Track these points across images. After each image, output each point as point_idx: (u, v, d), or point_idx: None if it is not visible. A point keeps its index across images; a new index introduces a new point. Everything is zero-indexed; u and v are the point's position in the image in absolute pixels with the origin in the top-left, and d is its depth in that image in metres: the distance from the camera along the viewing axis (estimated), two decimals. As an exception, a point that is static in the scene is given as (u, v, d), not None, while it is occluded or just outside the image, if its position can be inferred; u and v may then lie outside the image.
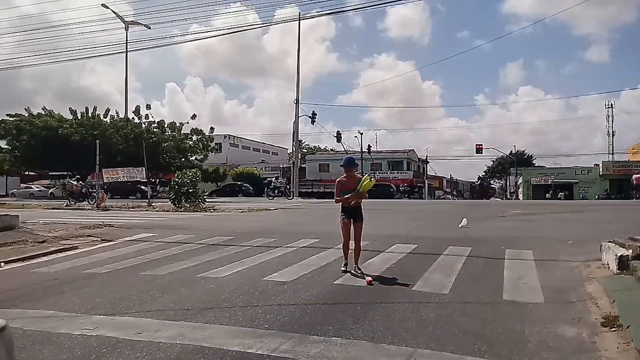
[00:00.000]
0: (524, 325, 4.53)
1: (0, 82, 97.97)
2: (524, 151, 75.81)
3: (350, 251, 6.99)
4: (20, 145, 42.83)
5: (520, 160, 69.11)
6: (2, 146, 45.15)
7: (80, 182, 29.40)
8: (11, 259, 8.59)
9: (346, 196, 6.83)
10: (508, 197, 66.73)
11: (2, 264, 8.25)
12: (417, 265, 7.34)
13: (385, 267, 7.31)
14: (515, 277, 6.51)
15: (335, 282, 6.34)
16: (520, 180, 63.62)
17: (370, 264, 7.47)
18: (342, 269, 6.93)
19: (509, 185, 70.19)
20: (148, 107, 45.28)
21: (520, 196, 62.03)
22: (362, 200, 6.99)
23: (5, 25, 73.60)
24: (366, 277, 6.42)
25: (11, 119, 44.28)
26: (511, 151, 72.17)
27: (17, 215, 12.57)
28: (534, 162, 73.53)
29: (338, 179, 7.03)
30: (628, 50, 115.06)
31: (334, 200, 7.07)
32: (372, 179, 7.03)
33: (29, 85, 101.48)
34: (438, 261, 7.69)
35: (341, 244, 7.09)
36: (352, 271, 6.81)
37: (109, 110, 45.51)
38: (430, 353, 3.87)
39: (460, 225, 12.46)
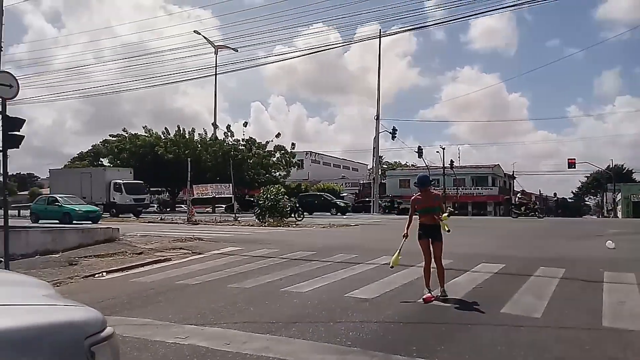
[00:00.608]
0: (627, 354, 4.20)
1: (103, 105, 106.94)
2: (622, 165, 70.30)
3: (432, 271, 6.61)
4: (121, 163, 46.35)
5: (619, 175, 64.01)
6: (105, 163, 49.05)
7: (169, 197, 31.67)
8: (112, 268, 9.30)
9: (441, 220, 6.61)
10: (605, 215, 61.98)
11: (104, 273, 8.95)
12: (505, 286, 7.02)
13: (471, 287, 7.07)
14: (615, 302, 6.03)
15: (419, 301, 6.22)
16: (619, 196, 58.90)
17: (454, 284, 7.25)
18: (423, 297, 6.29)
19: (606, 202, 65.17)
20: (245, 124, 47.64)
21: (619, 214, 57.36)
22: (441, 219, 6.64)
23: (109, 53, 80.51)
24: (426, 294, 6.24)
25: (113, 138, 48.22)
26: (608, 165, 67.13)
27: (118, 228, 13.59)
28: (634, 176, 67.90)
29: (413, 197, 6.88)
30: None
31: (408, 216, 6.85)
32: (447, 215, 6.80)
33: (127, 108, 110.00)
34: (528, 282, 7.31)
35: (423, 263, 6.86)
36: (439, 295, 6.38)
37: (194, 130, 48.16)
38: (522, 380, 3.69)
39: (608, 246, 11.41)
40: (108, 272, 9.02)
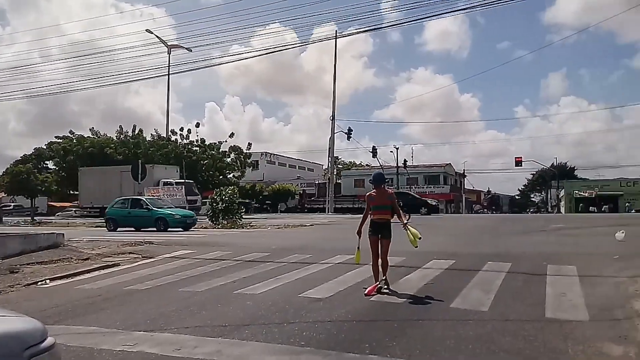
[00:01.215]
0: (568, 344, 4.38)
1: (50, 106, 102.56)
2: (565, 163, 73.69)
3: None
4: (67, 166, 44.58)
5: (562, 173, 67.07)
6: (50, 167, 47.10)
7: None
8: (56, 275, 8.92)
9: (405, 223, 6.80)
10: (549, 210, 64.77)
11: (48, 280, 8.57)
12: (455, 282, 7.20)
13: (422, 283, 7.21)
14: (558, 294, 6.30)
15: (371, 299, 6.29)
16: (562, 193, 61.75)
17: (407, 281, 7.38)
18: (368, 290, 6.57)
19: (550, 199, 68.14)
20: (197, 125, 46.66)
21: (562, 210, 60.12)
22: (391, 217, 6.86)
23: (57, 51, 77.13)
24: (368, 288, 6.52)
25: (59, 140, 46.32)
26: (552, 163, 70.22)
27: (63, 234, 13.04)
28: (576, 174, 71.31)
29: (368, 194, 7.05)
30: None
31: (363, 215, 7.06)
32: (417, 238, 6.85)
33: (76, 108, 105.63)
34: (477, 277, 7.53)
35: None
36: (380, 285, 6.64)
37: (142, 130, 46.93)
38: (469, 372, 3.79)
39: (618, 237, 11.53)
40: (52, 280, 8.64)
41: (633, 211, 46.91)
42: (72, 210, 47.02)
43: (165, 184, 30.74)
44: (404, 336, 4.70)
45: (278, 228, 20.59)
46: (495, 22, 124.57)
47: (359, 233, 6.89)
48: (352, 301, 6.22)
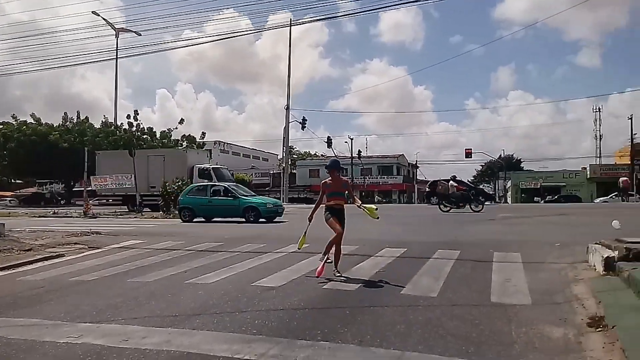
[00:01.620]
0: (511, 326, 4.55)
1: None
2: (512, 155, 76.37)
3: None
4: (8, 153, 42.41)
5: (509, 164, 69.58)
6: None
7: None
8: (-4, 267, 8.47)
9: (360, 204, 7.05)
10: (497, 200, 67.15)
11: (-13, 272, 8.13)
12: (406, 269, 7.34)
13: (375, 271, 7.31)
14: (503, 280, 6.53)
15: (324, 287, 6.33)
16: (509, 184, 64.05)
17: (359, 269, 7.47)
18: (328, 261, 6.89)
19: (498, 189, 70.55)
20: (136, 112, 45.09)
21: (509, 200, 62.41)
22: (346, 204, 7.09)
23: (-5, 32, 72.82)
24: (317, 269, 6.77)
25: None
26: (500, 155, 72.67)
27: (3, 224, 12.41)
28: (522, 166, 74.07)
29: (323, 181, 7.15)
30: (618, 54, 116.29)
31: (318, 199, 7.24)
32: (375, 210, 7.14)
33: (18, 93, 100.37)
34: (427, 265, 7.70)
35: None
36: (333, 274, 6.80)
37: (88, 118, 45.28)
38: (418, 356, 3.87)
39: (614, 226, 11.66)
40: (-9, 271, 8.22)
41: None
42: (6, 199, 44.89)
43: (202, 170, 28.41)
44: (355, 322, 4.76)
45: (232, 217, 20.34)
46: (448, 16, 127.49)
47: (310, 219, 7.06)
48: (305, 289, 6.23)
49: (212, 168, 29.37)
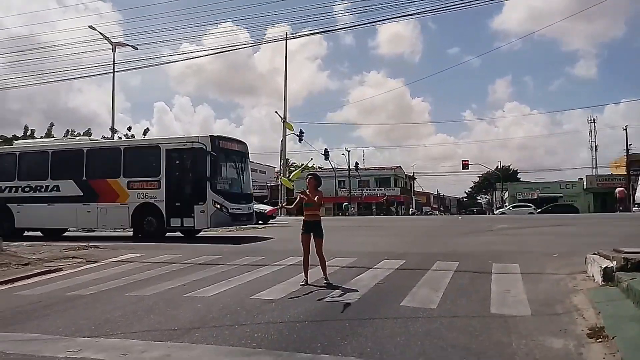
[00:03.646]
0: (511, 338, 4.54)
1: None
2: (509, 166, 76.59)
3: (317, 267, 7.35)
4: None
5: (506, 176, 69.77)
6: None
7: None
8: (-6, 282, 8.43)
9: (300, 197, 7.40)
10: (494, 212, 67.22)
11: (-16, 287, 8.09)
12: (405, 281, 7.34)
13: (374, 283, 7.30)
14: (502, 291, 6.54)
15: (323, 299, 6.33)
16: (507, 195, 64.16)
17: (358, 280, 7.46)
18: (301, 283, 7.19)
19: (495, 200, 70.66)
20: (129, 129, 45.29)
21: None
22: (320, 217, 7.43)
23: (-6, 46, 72.88)
24: (302, 282, 7.19)
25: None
26: (497, 166, 72.92)
27: (1, 238, 12.37)
28: (519, 177, 74.25)
29: (302, 190, 7.49)
30: (614, 65, 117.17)
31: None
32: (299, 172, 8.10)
33: (15, 107, 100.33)
34: (426, 276, 7.70)
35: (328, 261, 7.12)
36: (324, 282, 7.13)
37: (91, 131, 45.37)
38: (419, 368, 3.87)
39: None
40: (-12, 286, 8.17)
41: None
42: None
43: None
44: (355, 335, 4.75)
45: (229, 230, 20.30)
46: (446, 28, 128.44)
47: (282, 206, 7.56)
48: (304, 302, 6.22)
49: None
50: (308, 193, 7.32)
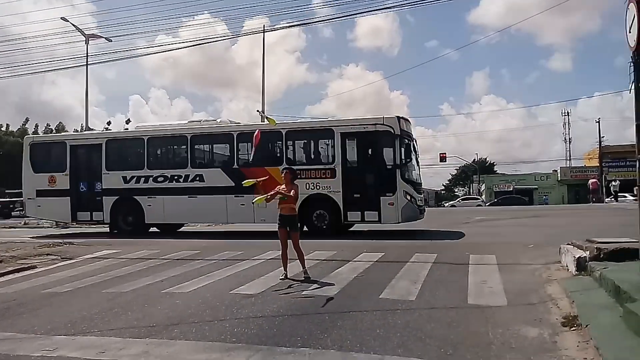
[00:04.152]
0: (488, 327, 4.62)
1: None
2: (486, 159, 77.57)
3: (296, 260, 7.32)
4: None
5: (483, 168, 70.67)
6: None
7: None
8: (-35, 281, 8.22)
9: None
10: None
11: (-45, 286, 7.88)
12: (384, 274, 7.39)
13: (353, 276, 7.34)
14: (479, 282, 6.64)
15: (303, 293, 6.34)
16: (483, 187, 65.03)
17: (337, 274, 7.49)
18: (281, 277, 7.20)
19: (472, 193, 71.55)
20: (108, 123, 44.52)
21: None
22: (296, 210, 7.49)
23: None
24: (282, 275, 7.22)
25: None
26: (474, 159, 73.77)
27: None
28: (495, 169, 75.29)
29: (280, 185, 7.43)
30: (588, 59, 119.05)
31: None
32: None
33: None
34: (404, 269, 7.77)
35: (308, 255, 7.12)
36: (303, 276, 7.15)
37: (63, 125, 44.50)
38: (398, 359, 3.90)
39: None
40: (-41, 285, 7.96)
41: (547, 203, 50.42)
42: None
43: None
44: (335, 328, 4.77)
45: (208, 225, 20.16)
46: (424, 21, 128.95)
47: (265, 198, 7.28)
48: (284, 296, 6.22)
49: None
50: (284, 187, 7.30)
